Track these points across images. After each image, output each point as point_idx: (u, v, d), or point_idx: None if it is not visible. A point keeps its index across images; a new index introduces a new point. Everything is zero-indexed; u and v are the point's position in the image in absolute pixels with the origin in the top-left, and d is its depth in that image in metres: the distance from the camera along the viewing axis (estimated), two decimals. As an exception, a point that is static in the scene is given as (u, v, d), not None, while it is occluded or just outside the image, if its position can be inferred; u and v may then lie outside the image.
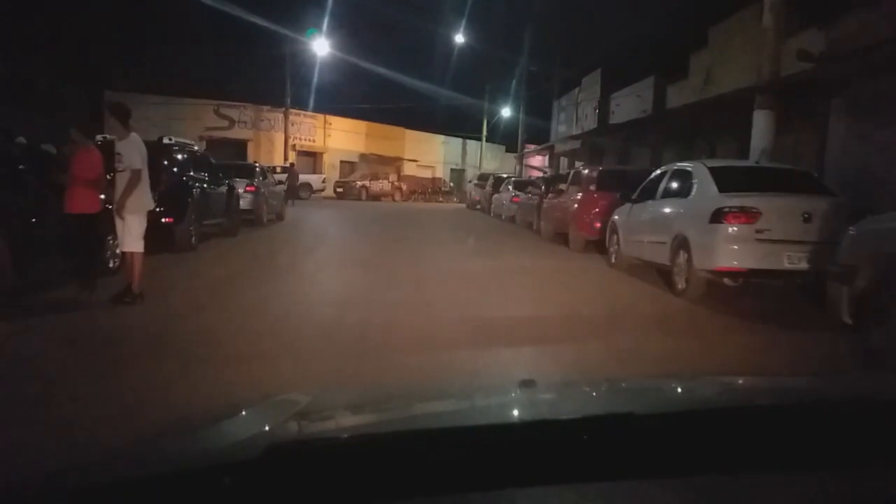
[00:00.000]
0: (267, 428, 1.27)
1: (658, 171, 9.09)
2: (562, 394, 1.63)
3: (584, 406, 1.45)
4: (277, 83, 34.01)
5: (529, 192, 18.15)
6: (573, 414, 1.28)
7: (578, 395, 1.59)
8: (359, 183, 34.25)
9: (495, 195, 22.78)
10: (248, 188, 15.19)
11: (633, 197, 9.33)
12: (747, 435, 1.05)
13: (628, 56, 22.69)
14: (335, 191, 34.09)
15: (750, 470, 0.98)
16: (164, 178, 10.13)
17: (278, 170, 27.17)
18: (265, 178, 16.75)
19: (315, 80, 33.96)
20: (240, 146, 34.46)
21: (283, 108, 33.93)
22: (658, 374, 3.39)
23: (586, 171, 12.56)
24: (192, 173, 10.96)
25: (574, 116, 27.70)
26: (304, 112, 35.66)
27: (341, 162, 37.98)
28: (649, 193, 8.88)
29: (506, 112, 42.31)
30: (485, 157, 43.18)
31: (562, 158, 30.38)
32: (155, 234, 10.24)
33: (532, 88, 32.14)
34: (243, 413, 1.43)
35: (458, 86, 39.40)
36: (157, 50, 35.48)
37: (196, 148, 12.06)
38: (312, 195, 31.88)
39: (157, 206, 10.26)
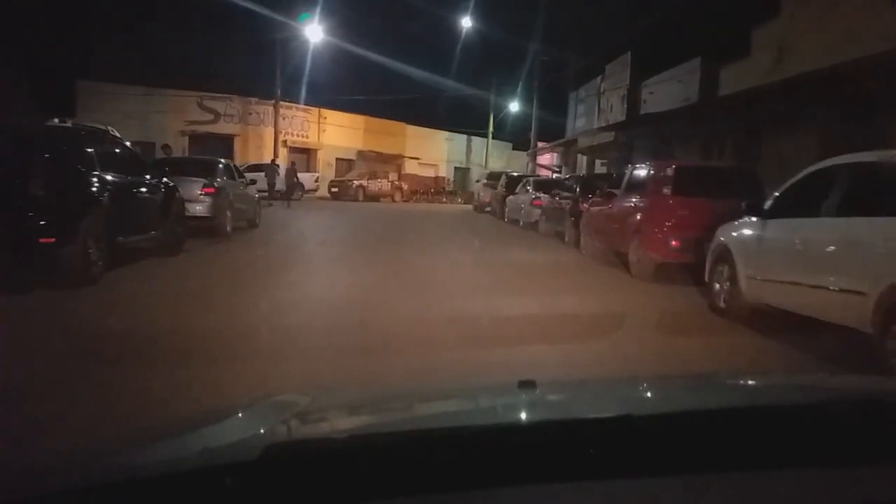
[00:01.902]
0: (266, 428, 1.23)
1: (815, 169, 5.54)
2: (561, 395, 1.59)
3: (584, 407, 1.41)
4: (267, 73, 30.46)
5: (556, 195, 14.60)
6: (572, 415, 1.28)
7: (578, 396, 1.55)
8: (355, 182, 30.63)
9: (510, 197, 19.21)
10: (204, 190, 11.64)
11: (766, 208, 5.81)
12: (747, 436, 1.02)
13: (665, 36, 19.12)
14: (330, 191, 30.48)
15: (750, 471, 0.95)
16: (40, 179, 6.60)
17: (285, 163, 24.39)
18: (233, 177, 13.19)
19: (308, 69, 30.40)
20: (226, 142, 30.91)
21: (273, 101, 30.36)
22: (658, 375, 2.66)
23: (654, 169, 8.99)
24: (98, 171, 7.41)
25: (596, 109, 24.12)
26: (296, 105, 32.07)
27: (337, 159, 34.38)
28: (805, 205, 5.34)
29: (514, 107, 38.76)
30: (490, 155, 39.66)
31: (580, 156, 26.83)
32: (29, 261, 6.97)
33: (545, 78, 28.56)
34: (242, 413, 1.40)
35: (462, 78, 35.84)
36: (136, 37, 31.99)
37: (114, 134, 8.49)
38: (305, 195, 28.27)
39: (34, 220, 6.87)
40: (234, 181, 13.18)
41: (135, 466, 1.05)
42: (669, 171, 8.48)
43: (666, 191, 8.36)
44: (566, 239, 12.84)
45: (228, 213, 12.30)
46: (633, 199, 9.02)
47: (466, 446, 0.97)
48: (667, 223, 8.20)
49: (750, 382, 1.79)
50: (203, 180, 11.72)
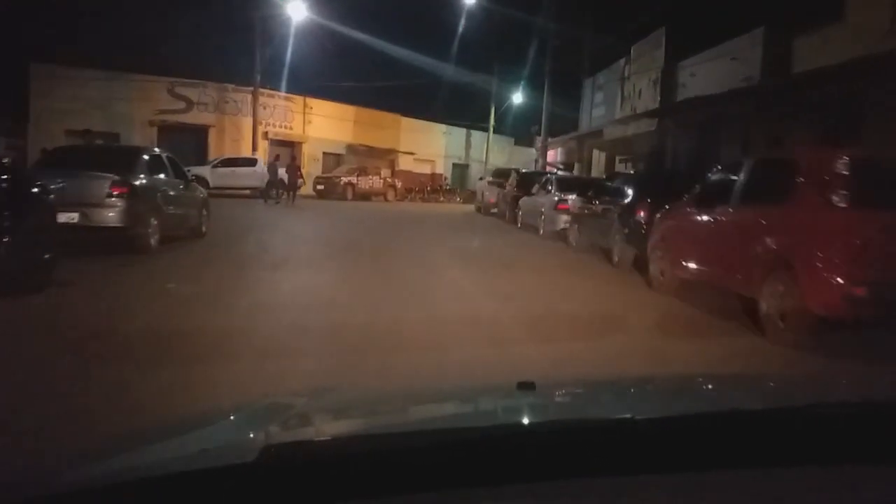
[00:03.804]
0: (264, 429, 1.16)
1: None
2: (561, 396, 1.51)
3: (586, 409, 1.38)
4: (245, 57, 26.79)
5: (592, 198, 11.05)
6: (574, 417, 1.25)
7: (578, 397, 1.50)
8: (344, 179, 26.91)
9: (525, 199, 15.65)
10: (115, 189, 8.09)
11: None
12: (749, 436, 0.99)
13: (709, 7, 15.61)
14: (315, 188, 26.78)
15: (751, 471, 0.93)
16: None
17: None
18: (166, 172, 9.59)
19: (292, 53, 26.74)
20: (199, 133, 27.26)
21: (252, 88, 26.68)
22: (659, 376, 2.36)
23: (804, 162, 5.46)
24: None
25: (618, 96, 20.63)
26: (278, 93, 28.33)
27: (324, 154, 30.61)
28: None
29: (517, 98, 35.25)
30: (491, 150, 36.09)
31: (596, 152, 23.32)
32: None
33: (556, 63, 24.96)
34: (240, 415, 1.35)
35: (462, 66, 32.18)
36: (99, 15, 28.29)
37: None
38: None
39: None
40: (168, 178, 9.59)
41: (133, 467, 1.01)
42: (840, 166, 4.93)
43: (836, 198, 4.83)
44: (615, 259, 9.31)
45: (154, 221, 8.73)
46: (767, 211, 5.49)
47: (465, 447, 0.93)
48: (843, 254, 4.70)
49: (751, 383, 1.70)
50: (113, 177, 8.14)
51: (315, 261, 9.09)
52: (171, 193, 9.52)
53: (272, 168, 22.06)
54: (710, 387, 1.58)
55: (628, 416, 1.08)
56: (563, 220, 12.57)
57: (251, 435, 1.16)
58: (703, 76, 15.54)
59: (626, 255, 9.00)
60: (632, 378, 2.20)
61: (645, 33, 18.71)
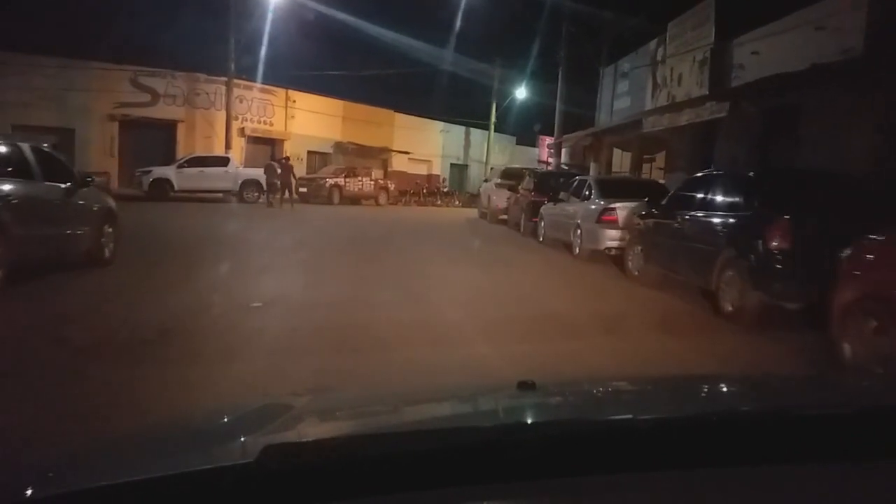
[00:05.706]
0: (263, 429, 1.13)
1: None
2: (562, 396, 1.46)
3: (586, 409, 1.34)
4: (219, 43, 23.28)
5: (669, 209, 7.59)
6: (574, 417, 1.23)
7: (579, 397, 1.45)
8: (329, 181, 23.39)
9: (549, 206, 12.18)
10: None
11: None
12: (747, 436, 0.96)
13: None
14: (297, 191, 23.30)
15: (749, 471, 0.89)
16: None
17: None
18: (27, 172, 6.06)
19: (271, 39, 23.18)
20: (167, 129, 23.81)
21: (226, 78, 23.16)
22: (660, 376, 2.28)
23: None
24: None
25: (649, 83, 17.22)
26: (256, 84, 24.80)
27: (309, 152, 27.08)
28: None
29: (519, 93, 31.86)
30: (492, 150, 32.70)
31: (617, 151, 19.89)
32: None
33: (570, 50, 21.55)
34: (240, 415, 1.30)
35: (461, 58, 28.69)
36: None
37: None
38: (260, 198, 21.10)
39: None
40: (31, 182, 6.06)
41: (133, 468, 0.97)
42: None
43: None
44: (727, 307, 5.86)
45: (9, 246, 5.25)
46: None
47: (464, 446, 0.91)
48: None
49: (750, 383, 1.65)
50: None
51: (251, 313, 5.55)
52: (37, 204, 6.01)
53: (270, 170, 19.69)
54: (709, 387, 1.54)
55: (629, 415, 1.09)
56: (612, 236, 9.13)
57: (251, 435, 1.10)
58: (772, 54, 12.13)
59: (748, 302, 5.56)
60: (632, 378, 2.12)
61: (685, 7, 15.35)
